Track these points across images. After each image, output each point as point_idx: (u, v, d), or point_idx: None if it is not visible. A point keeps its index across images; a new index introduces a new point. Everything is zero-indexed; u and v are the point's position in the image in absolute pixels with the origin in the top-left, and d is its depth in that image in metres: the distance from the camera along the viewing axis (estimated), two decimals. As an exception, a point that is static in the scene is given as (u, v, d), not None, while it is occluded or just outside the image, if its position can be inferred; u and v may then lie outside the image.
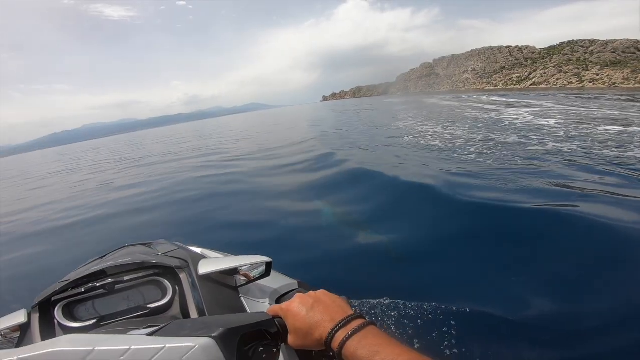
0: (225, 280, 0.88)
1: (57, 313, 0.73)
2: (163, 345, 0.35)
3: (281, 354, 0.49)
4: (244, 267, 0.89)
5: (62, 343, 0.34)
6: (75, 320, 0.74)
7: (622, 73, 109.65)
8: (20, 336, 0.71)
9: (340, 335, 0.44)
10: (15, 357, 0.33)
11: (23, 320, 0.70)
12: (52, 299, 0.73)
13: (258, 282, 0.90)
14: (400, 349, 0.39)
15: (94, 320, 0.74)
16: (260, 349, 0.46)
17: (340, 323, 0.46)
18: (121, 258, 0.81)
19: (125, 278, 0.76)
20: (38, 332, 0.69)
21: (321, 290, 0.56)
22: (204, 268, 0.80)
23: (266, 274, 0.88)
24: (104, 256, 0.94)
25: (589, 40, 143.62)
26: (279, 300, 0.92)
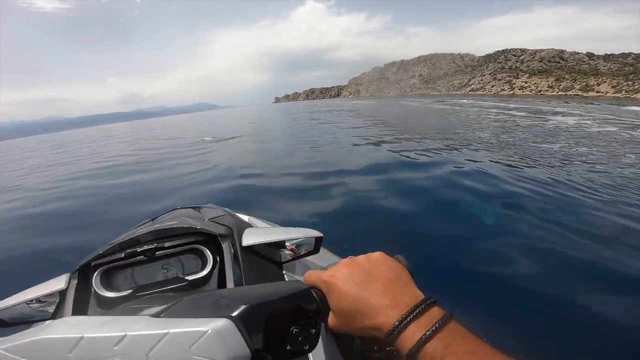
0: (269, 254, 0.81)
1: (95, 280, 0.66)
2: (166, 331, 0.29)
3: (321, 338, 0.37)
4: (292, 241, 0.82)
5: (53, 329, 0.29)
6: (112, 289, 0.67)
7: (547, 81, 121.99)
8: (57, 304, 0.65)
9: (414, 332, 0.31)
10: None
11: (63, 286, 0.64)
12: (92, 263, 0.66)
13: (305, 259, 0.84)
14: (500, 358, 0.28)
15: (130, 291, 0.67)
16: (295, 330, 0.34)
17: (411, 313, 0.32)
18: (169, 222, 0.75)
19: (167, 244, 0.69)
20: (71, 302, 0.63)
21: (378, 254, 0.40)
22: (249, 238, 0.75)
23: (314, 250, 0.80)
24: (155, 218, 0.88)
25: (520, 49, 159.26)
26: None
